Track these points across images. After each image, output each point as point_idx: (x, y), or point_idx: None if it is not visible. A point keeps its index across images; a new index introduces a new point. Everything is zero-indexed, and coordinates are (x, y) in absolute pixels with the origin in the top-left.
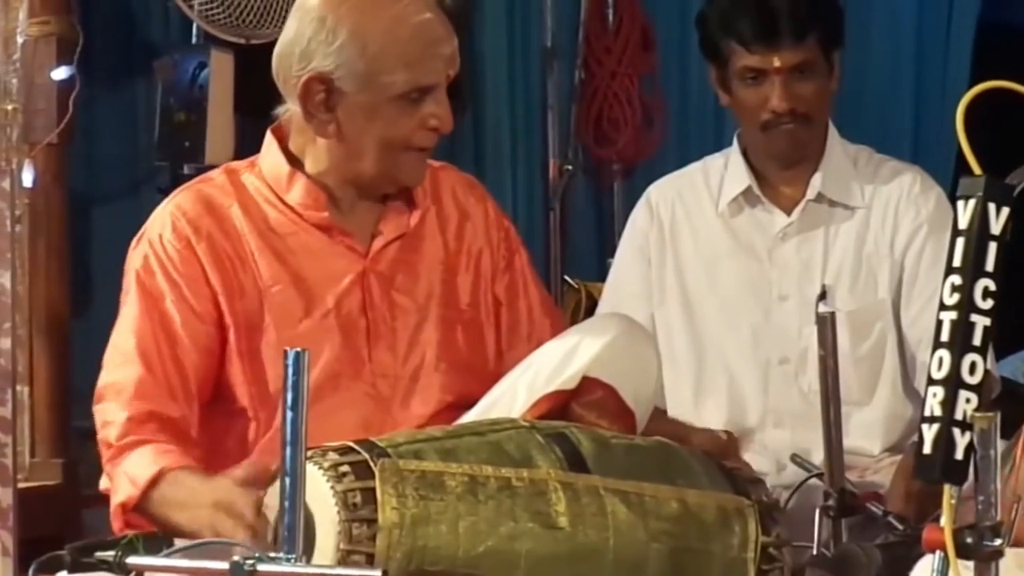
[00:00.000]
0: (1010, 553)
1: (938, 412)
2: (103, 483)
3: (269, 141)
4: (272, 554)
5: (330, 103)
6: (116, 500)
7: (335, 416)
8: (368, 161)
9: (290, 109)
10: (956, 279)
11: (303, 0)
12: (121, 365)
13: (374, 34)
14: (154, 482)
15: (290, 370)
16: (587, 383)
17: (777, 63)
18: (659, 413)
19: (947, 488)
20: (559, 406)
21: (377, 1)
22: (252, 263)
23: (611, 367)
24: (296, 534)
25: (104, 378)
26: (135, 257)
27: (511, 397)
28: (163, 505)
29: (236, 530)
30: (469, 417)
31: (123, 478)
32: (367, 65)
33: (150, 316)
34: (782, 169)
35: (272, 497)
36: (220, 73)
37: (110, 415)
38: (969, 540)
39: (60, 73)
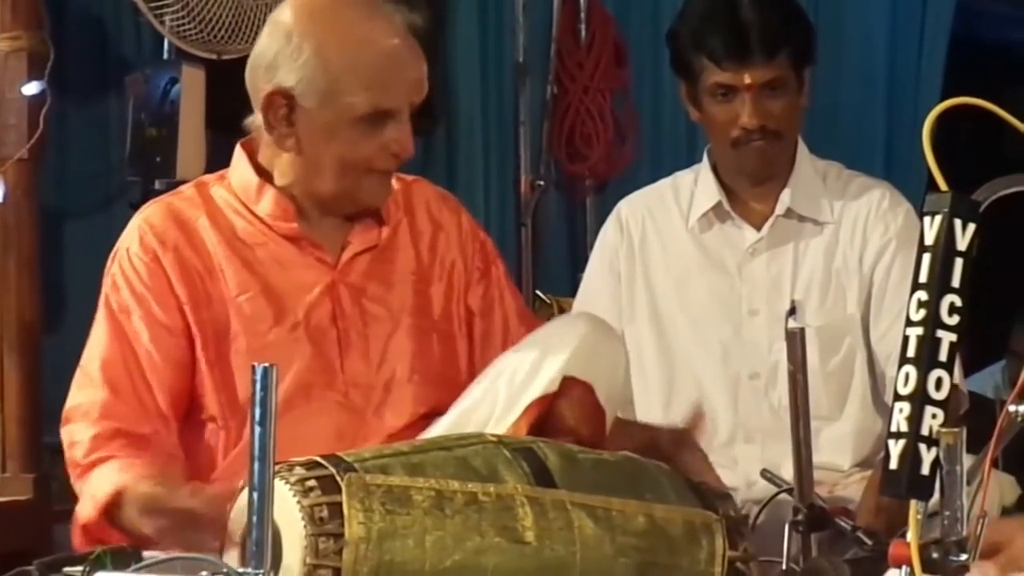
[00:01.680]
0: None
1: (904, 428)
2: (78, 505)
3: (239, 154)
4: (240, 569)
5: (291, 118)
6: (79, 520)
7: (308, 425)
8: (327, 179)
9: (257, 119)
10: (922, 295)
11: (277, 14)
12: (87, 387)
13: (338, 53)
14: (115, 499)
15: (258, 385)
16: (566, 381)
17: (748, 80)
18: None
19: (913, 503)
20: (546, 411)
21: (346, 22)
22: (220, 273)
23: (585, 365)
24: (264, 549)
25: (71, 400)
26: (107, 277)
27: (492, 398)
28: (127, 520)
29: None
30: (449, 420)
31: (86, 497)
32: (328, 84)
33: (118, 337)
34: (752, 185)
35: (239, 512)
36: (191, 88)
37: (77, 435)
38: (935, 555)
39: (31, 88)
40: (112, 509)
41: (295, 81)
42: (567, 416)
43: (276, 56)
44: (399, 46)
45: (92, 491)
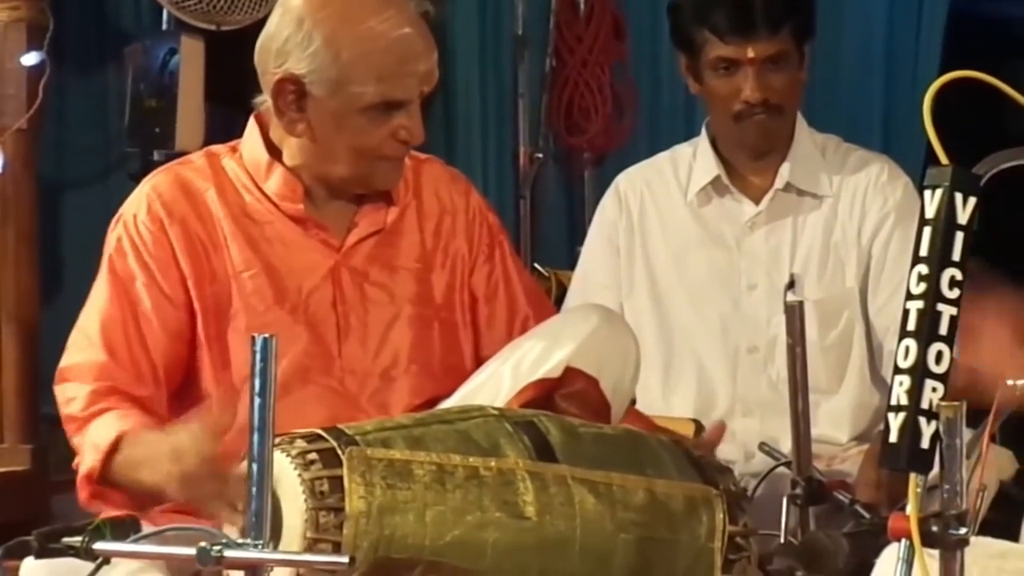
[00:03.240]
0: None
1: (904, 401)
2: (76, 460)
3: (252, 127)
4: (239, 540)
5: (301, 104)
6: (82, 471)
7: (302, 410)
8: (340, 165)
9: (267, 101)
10: (923, 268)
11: None
12: (85, 348)
13: (348, 43)
14: (116, 445)
15: (258, 356)
16: (570, 373)
17: (751, 54)
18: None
19: (913, 477)
20: (543, 395)
21: (357, 10)
22: (225, 248)
23: (593, 358)
24: (263, 520)
25: (67, 359)
26: (110, 238)
27: (497, 382)
28: (126, 466)
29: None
30: (452, 402)
31: (88, 447)
32: (338, 73)
33: (119, 300)
34: (751, 159)
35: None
36: (190, 60)
37: (72, 392)
38: (935, 528)
39: (30, 59)
40: (114, 455)
41: (306, 69)
42: (569, 409)
43: (286, 42)
44: (410, 36)
45: (93, 440)
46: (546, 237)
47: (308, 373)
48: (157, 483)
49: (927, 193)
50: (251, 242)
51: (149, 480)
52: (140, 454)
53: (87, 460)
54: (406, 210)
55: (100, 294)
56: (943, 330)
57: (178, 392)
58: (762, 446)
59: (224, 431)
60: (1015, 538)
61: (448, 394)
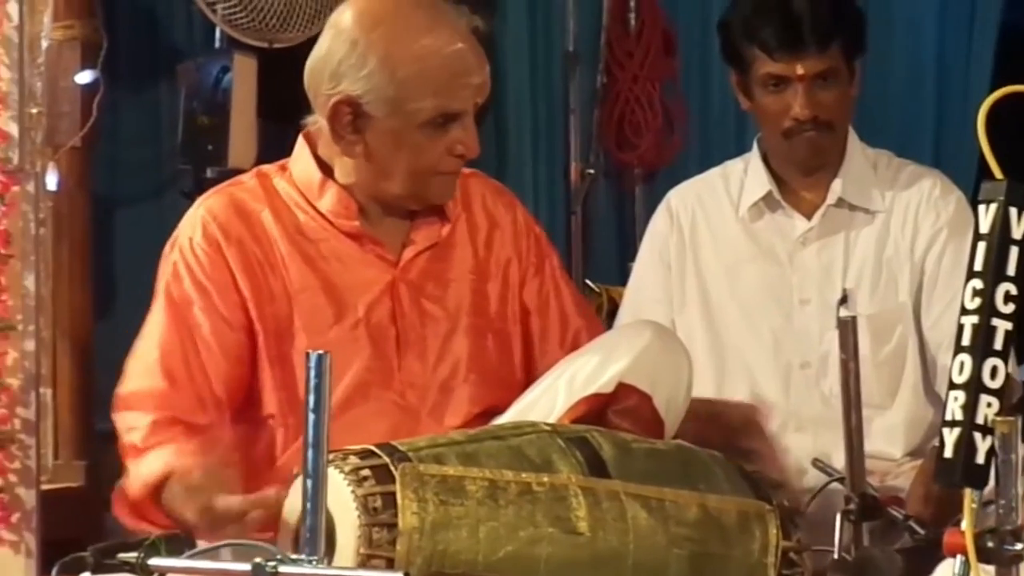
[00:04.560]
0: None
1: (959, 416)
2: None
3: (301, 146)
4: (294, 556)
5: (358, 126)
6: (128, 494)
7: (364, 426)
8: (396, 183)
9: (319, 121)
10: (977, 283)
11: (338, 17)
12: (144, 375)
13: (403, 61)
14: (163, 480)
15: (312, 372)
16: (622, 389)
17: (800, 71)
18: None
19: (968, 492)
20: (595, 410)
21: (410, 29)
22: (282, 268)
23: (646, 374)
24: (318, 536)
25: (127, 386)
26: (165, 265)
27: (551, 397)
28: (170, 502)
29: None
30: (507, 418)
31: (135, 475)
32: (395, 91)
33: (177, 326)
34: (803, 175)
35: (294, 498)
36: (243, 77)
37: (133, 421)
38: (990, 544)
39: (84, 77)
40: (159, 490)
41: (362, 91)
42: (622, 424)
43: (340, 63)
44: (463, 51)
45: (143, 470)
46: (597, 253)
47: (369, 388)
48: (188, 523)
49: (981, 208)
50: (308, 260)
51: (192, 522)
52: (179, 492)
53: (133, 487)
54: (457, 223)
55: (157, 320)
56: (998, 345)
57: (239, 414)
58: (815, 462)
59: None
60: None
61: (503, 404)
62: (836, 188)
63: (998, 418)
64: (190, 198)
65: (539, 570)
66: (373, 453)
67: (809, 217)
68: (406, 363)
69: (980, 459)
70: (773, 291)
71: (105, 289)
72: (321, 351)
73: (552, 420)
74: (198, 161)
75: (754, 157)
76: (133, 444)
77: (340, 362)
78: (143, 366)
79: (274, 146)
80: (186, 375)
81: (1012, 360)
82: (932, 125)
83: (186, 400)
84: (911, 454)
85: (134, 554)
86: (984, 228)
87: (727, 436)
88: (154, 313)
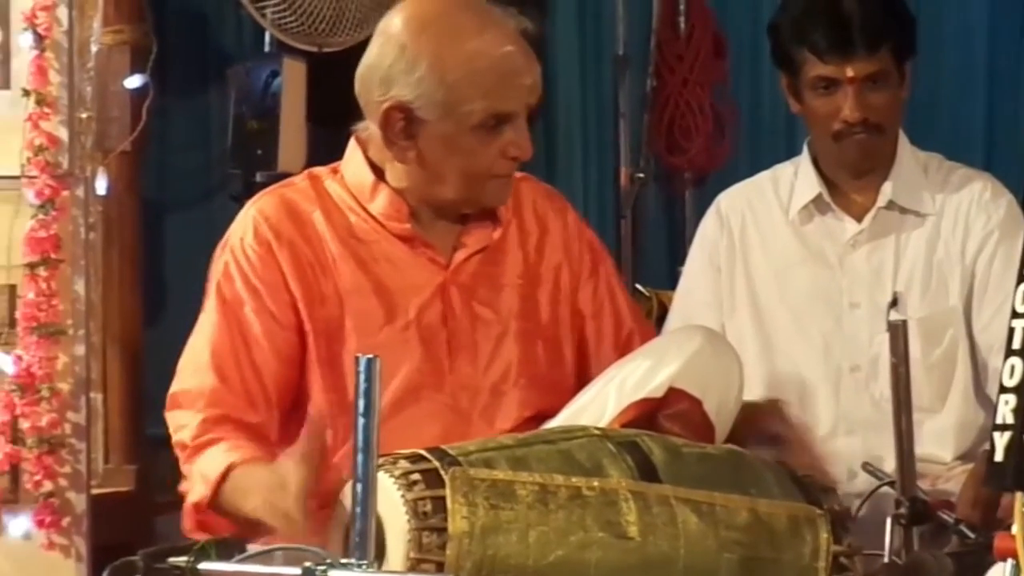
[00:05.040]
0: None
1: (1010, 420)
2: (182, 485)
3: (353, 148)
4: (344, 560)
5: (410, 131)
6: (190, 500)
7: (416, 428)
8: (449, 187)
9: (369, 127)
10: None
11: (387, 23)
12: (195, 374)
13: (453, 65)
14: (224, 476)
15: (362, 377)
16: (673, 394)
17: (850, 73)
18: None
19: (1019, 496)
20: (645, 414)
21: (459, 32)
22: (333, 269)
23: (697, 379)
24: (367, 540)
25: (178, 385)
26: (217, 264)
27: (602, 402)
28: (232, 498)
29: (286, 506)
30: (557, 422)
31: (197, 477)
32: (446, 95)
33: (228, 326)
34: (853, 177)
35: (344, 503)
36: (292, 81)
37: (184, 419)
38: None
39: (134, 81)
40: (223, 486)
41: (413, 95)
42: (672, 429)
43: (390, 69)
44: (513, 53)
45: (203, 471)
46: (647, 257)
47: (420, 391)
48: (259, 517)
49: None
50: (359, 262)
51: (252, 513)
52: (246, 486)
53: (196, 490)
54: (508, 227)
55: (209, 320)
56: None
57: (289, 415)
58: (865, 466)
59: (316, 459)
60: None
61: (553, 408)
62: (886, 191)
63: None
64: (239, 202)
65: (589, 575)
66: (423, 457)
67: (859, 220)
68: (457, 365)
69: None
70: (823, 294)
71: (155, 293)
72: (370, 355)
73: (602, 424)
74: (247, 165)
75: (804, 160)
76: (183, 442)
77: (391, 364)
78: (194, 365)
79: (323, 151)
80: (237, 373)
81: None
82: (983, 128)
83: (237, 398)
84: (961, 458)
85: (185, 558)
86: None
87: (758, 425)
88: (206, 313)
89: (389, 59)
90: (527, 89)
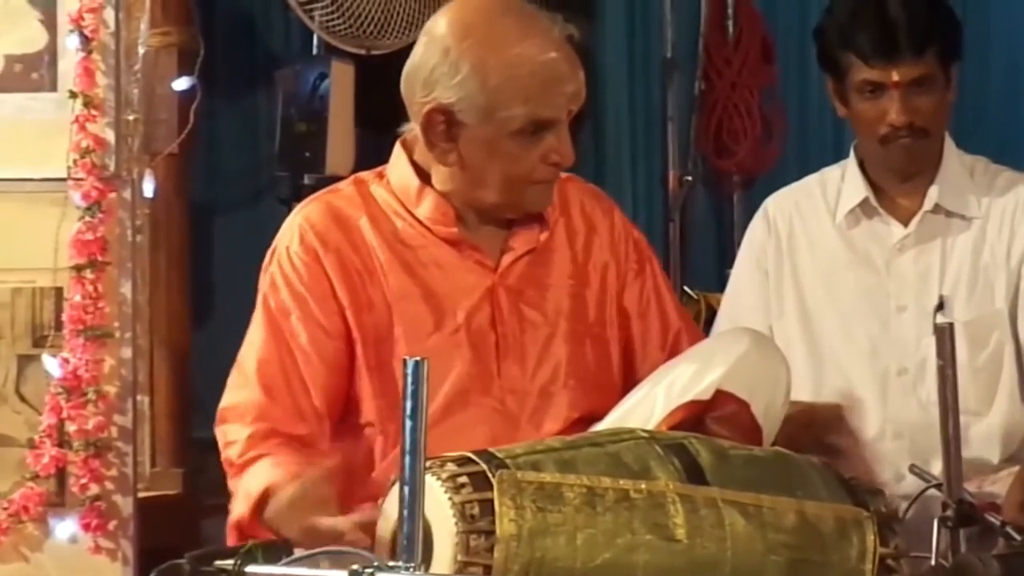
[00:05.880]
0: None
1: None
2: (231, 504)
3: (398, 153)
4: (391, 563)
5: (451, 134)
6: (232, 518)
7: (465, 432)
8: (491, 191)
9: (414, 129)
10: None
11: (432, 25)
12: (242, 387)
13: (495, 70)
14: (265, 496)
15: (409, 379)
16: (721, 396)
17: (896, 77)
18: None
19: None
20: (693, 417)
21: (502, 37)
22: (381, 275)
23: (744, 381)
24: (415, 543)
25: (226, 399)
26: (265, 275)
27: (649, 404)
28: (271, 517)
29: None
30: (605, 424)
31: (240, 495)
32: (487, 100)
33: (275, 337)
34: (899, 181)
35: (390, 506)
36: (340, 84)
37: (232, 435)
38: None
39: (181, 84)
40: (263, 505)
41: (455, 98)
42: (720, 432)
43: (433, 71)
44: (556, 59)
45: (246, 488)
46: (695, 260)
47: (469, 395)
48: (293, 538)
49: None
50: (407, 267)
51: (287, 534)
52: (283, 505)
53: (237, 508)
54: (555, 228)
55: (257, 332)
56: None
57: (338, 423)
58: (912, 468)
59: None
60: None
61: (601, 410)
62: (933, 194)
63: None
64: (287, 205)
65: None
66: (470, 460)
67: (906, 223)
68: (506, 368)
69: None
70: (870, 298)
71: (202, 296)
72: (417, 358)
73: (650, 427)
74: (295, 168)
75: (851, 164)
76: (230, 460)
77: (440, 369)
78: (241, 379)
79: (371, 153)
80: (284, 386)
81: None
82: None
83: (284, 411)
84: (1008, 460)
85: (231, 561)
86: None
87: (815, 433)
88: (254, 324)
89: (432, 61)
90: (569, 96)
